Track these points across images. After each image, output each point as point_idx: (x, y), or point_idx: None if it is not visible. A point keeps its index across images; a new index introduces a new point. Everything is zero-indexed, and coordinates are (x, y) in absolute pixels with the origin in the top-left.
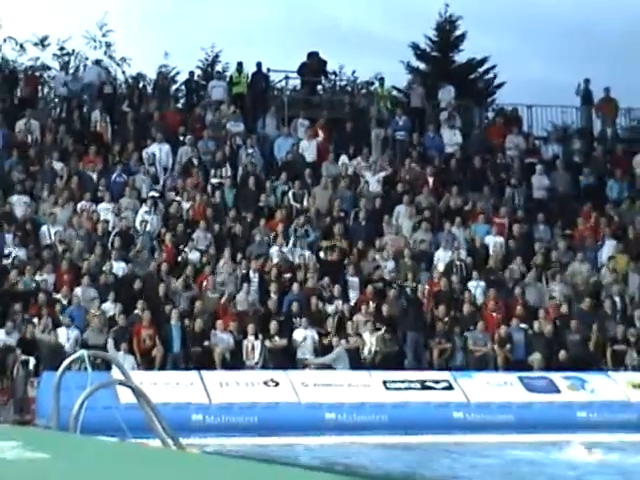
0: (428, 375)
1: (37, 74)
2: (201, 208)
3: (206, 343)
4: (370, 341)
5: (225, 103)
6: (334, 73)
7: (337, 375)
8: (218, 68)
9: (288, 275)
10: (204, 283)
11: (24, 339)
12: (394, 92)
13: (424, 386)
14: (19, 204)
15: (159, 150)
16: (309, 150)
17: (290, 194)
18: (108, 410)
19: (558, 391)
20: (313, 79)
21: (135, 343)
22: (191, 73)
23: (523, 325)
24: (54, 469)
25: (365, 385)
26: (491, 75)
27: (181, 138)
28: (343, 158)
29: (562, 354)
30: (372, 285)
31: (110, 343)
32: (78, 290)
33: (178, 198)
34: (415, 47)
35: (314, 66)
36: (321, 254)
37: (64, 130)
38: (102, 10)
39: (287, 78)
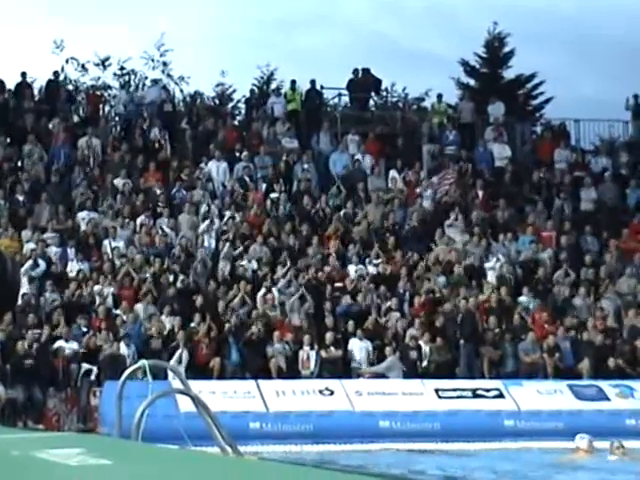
0: (480, 384)
1: (98, 93)
2: (257, 222)
3: (263, 353)
4: (423, 351)
5: (280, 120)
6: (385, 89)
7: (390, 384)
8: (273, 86)
9: (342, 287)
10: (261, 297)
11: (86, 350)
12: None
13: (476, 394)
14: (82, 219)
15: (216, 166)
16: (363, 165)
17: (344, 209)
18: (168, 418)
19: (607, 399)
20: (365, 95)
21: (194, 355)
22: (251, 91)
23: (572, 333)
24: (117, 475)
25: (418, 393)
26: (539, 91)
27: (237, 154)
28: (392, 172)
29: (611, 362)
30: (425, 297)
31: (169, 354)
32: (138, 305)
33: (234, 213)
34: (465, 64)
35: (367, 83)
36: (374, 267)
37: (125, 147)
38: (159, 31)
39: (340, 95)
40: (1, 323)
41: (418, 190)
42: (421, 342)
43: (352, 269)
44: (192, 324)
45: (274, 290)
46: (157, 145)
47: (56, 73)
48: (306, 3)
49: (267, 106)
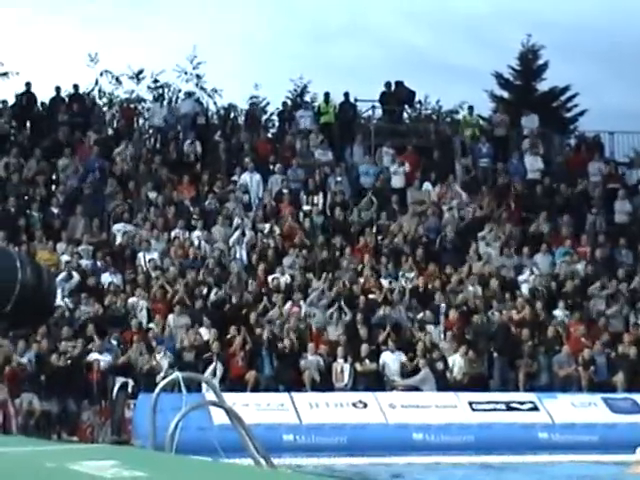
0: (513, 396)
1: (132, 106)
2: (291, 235)
3: (296, 366)
4: (457, 363)
5: (313, 132)
6: (419, 102)
7: (424, 396)
8: (306, 98)
9: (376, 299)
10: (294, 309)
11: (120, 362)
12: (479, 120)
13: (509, 407)
14: (116, 232)
15: (250, 178)
16: (396, 178)
17: (377, 221)
18: (202, 431)
19: None
20: (398, 108)
21: (229, 367)
22: (284, 103)
23: (607, 347)
24: None
25: (452, 406)
26: (573, 103)
27: (271, 167)
28: (427, 185)
29: None
30: (458, 310)
31: (203, 366)
32: (171, 317)
33: (268, 225)
34: (498, 76)
35: (400, 95)
36: (408, 280)
37: (159, 160)
38: (192, 43)
39: (373, 107)
40: (36, 336)
41: (450, 203)
42: (455, 355)
43: (385, 281)
44: (225, 336)
45: (308, 303)
46: (191, 158)
47: (76, 86)
48: (340, 16)
49: (296, 119)
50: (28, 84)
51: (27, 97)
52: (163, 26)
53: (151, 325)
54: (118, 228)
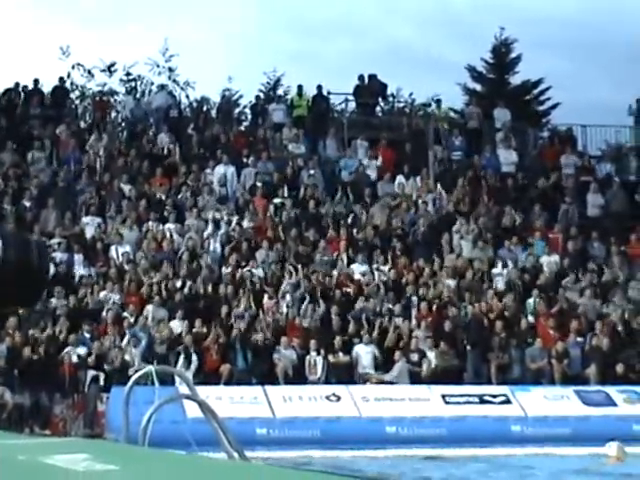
0: (486, 389)
1: (105, 99)
2: (264, 228)
3: (269, 359)
4: (430, 356)
5: (286, 126)
6: (392, 95)
7: (397, 389)
8: (280, 92)
9: (349, 292)
10: (267, 303)
11: (94, 356)
12: (451, 113)
13: (482, 400)
14: (89, 225)
15: (224, 171)
16: (370, 171)
17: (351, 214)
18: (175, 424)
19: (614, 404)
20: (371, 101)
21: (203, 361)
22: (257, 97)
23: (579, 339)
24: None
25: (425, 399)
26: (546, 96)
27: (245, 160)
28: (400, 178)
29: (618, 368)
30: (431, 302)
31: (176, 359)
32: (144, 309)
33: (241, 218)
34: (471, 69)
35: (373, 88)
36: (381, 272)
37: (132, 153)
38: (164, 36)
39: (347, 101)
40: (7, 329)
41: (423, 196)
42: (428, 348)
43: (359, 274)
44: (198, 329)
45: (281, 296)
46: (164, 150)
47: (62, 79)
48: (314, 9)
49: (269, 113)
50: (17, 84)
51: (10, 95)
52: (137, 18)
53: (125, 314)
54: (89, 221)
